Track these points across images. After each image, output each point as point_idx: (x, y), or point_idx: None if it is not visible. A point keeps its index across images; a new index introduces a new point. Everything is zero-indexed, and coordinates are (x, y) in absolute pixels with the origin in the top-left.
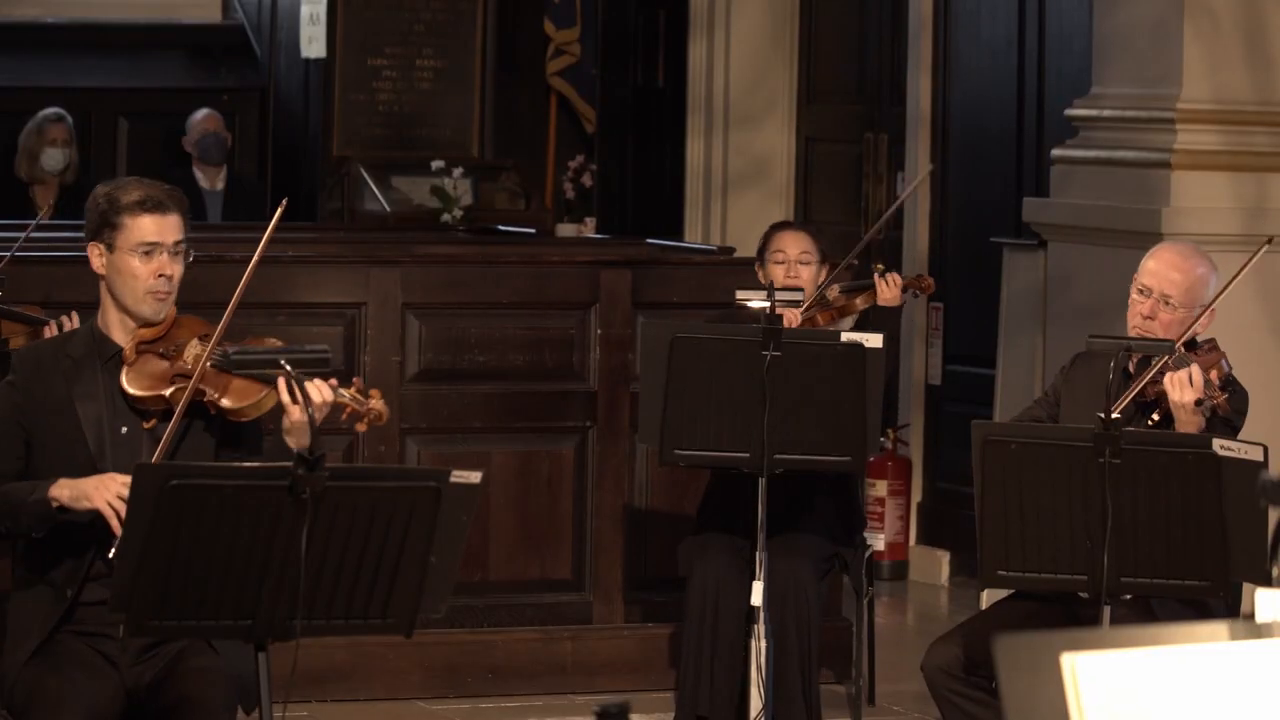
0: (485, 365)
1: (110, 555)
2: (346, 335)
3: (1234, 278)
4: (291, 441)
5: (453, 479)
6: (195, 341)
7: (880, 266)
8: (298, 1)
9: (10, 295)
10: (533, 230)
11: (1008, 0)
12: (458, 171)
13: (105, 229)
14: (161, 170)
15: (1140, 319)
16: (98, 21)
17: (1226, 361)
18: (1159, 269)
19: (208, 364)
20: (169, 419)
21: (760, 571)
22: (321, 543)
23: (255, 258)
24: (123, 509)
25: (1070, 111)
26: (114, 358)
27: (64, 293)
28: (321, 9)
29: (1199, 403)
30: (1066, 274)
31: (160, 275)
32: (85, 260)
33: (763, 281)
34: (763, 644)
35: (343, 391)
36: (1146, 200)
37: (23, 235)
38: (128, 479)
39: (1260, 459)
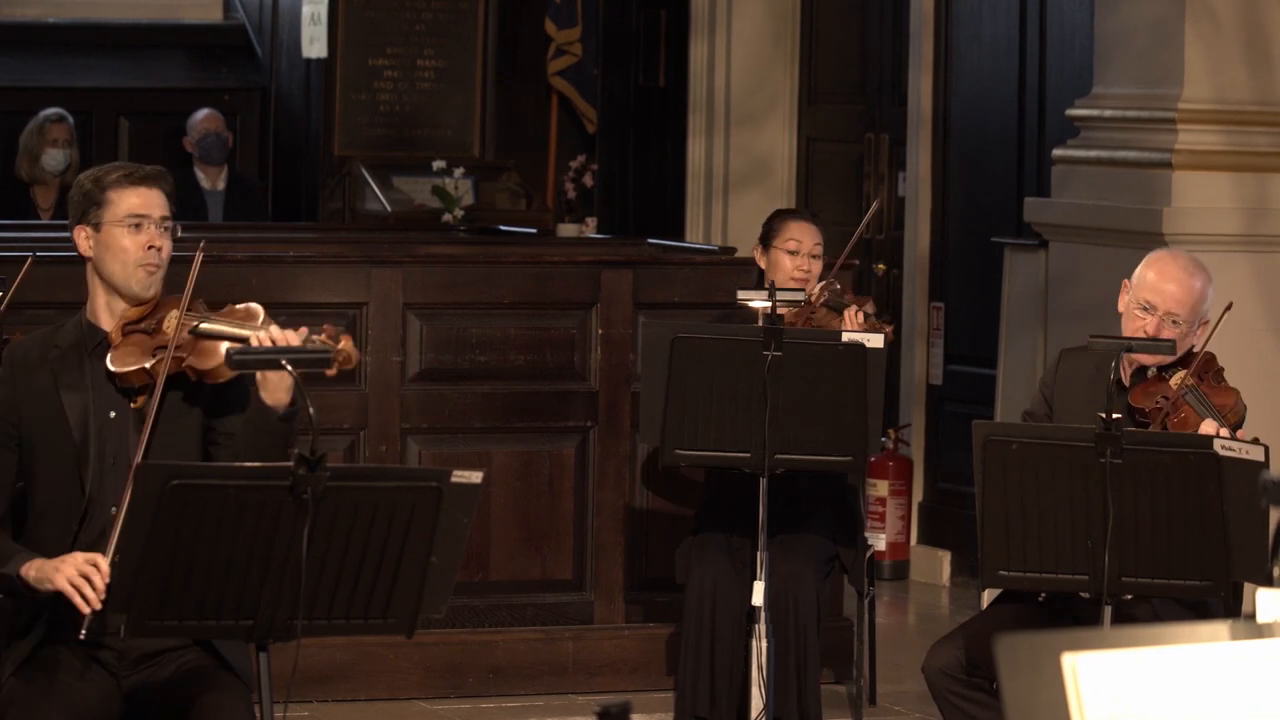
0: (486, 365)
1: (82, 635)
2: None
3: (1210, 333)
4: (267, 398)
5: (453, 479)
6: (173, 313)
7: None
8: (299, 1)
9: (11, 297)
10: (534, 230)
11: (1009, 0)
12: (459, 171)
13: (91, 209)
14: None
15: (1144, 335)
16: (98, 21)
17: (1240, 402)
18: (1164, 286)
19: (184, 331)
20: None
21: (761, 571)
22: (322, 543)
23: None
24: (86, 587)
25: (1071, 111)
26: (100, 344)
27: (64, 293)
28: (323, 9)
29: None
30: (1068, 274)
31: (150, 247)
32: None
33: (762, 266)
34: (763, 644)
35: (313, 338)
36: (1148, 200)
37: (28, 237)
38: (92, 556)
39: (1261, 459)
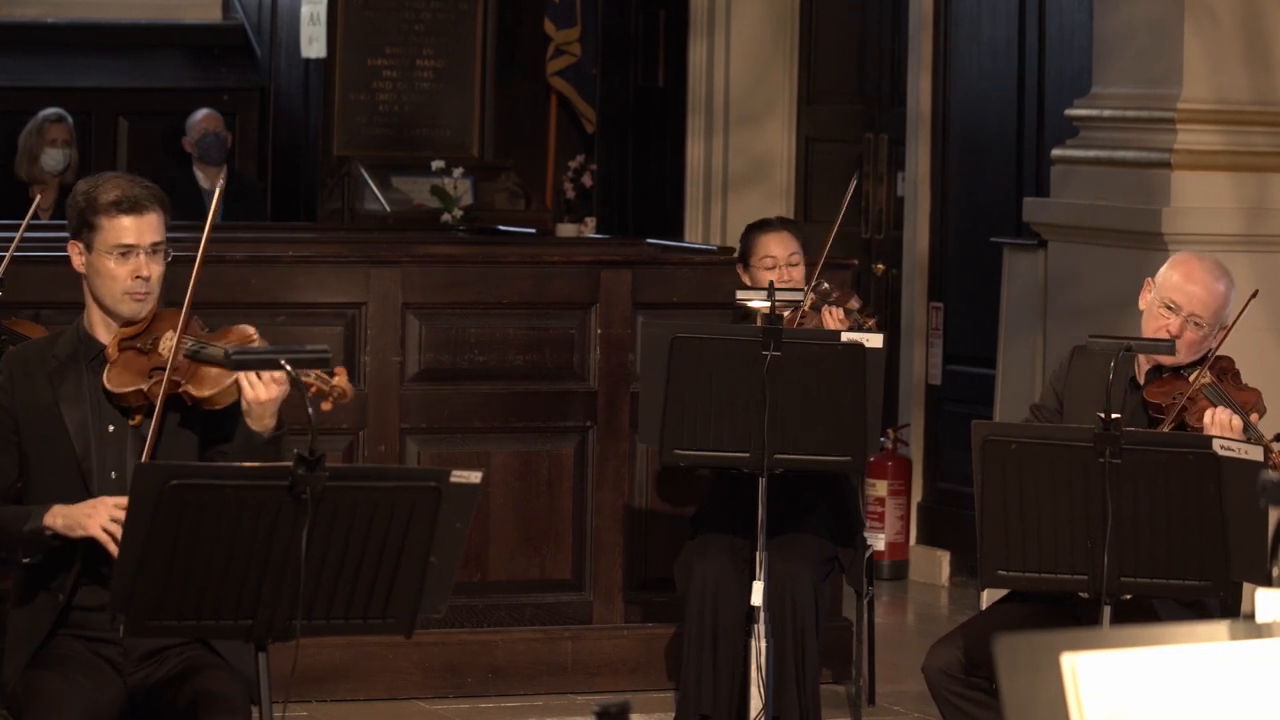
0: (485, 365)
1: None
2: (346, 335)
3: (1230, 327)
4: (252, 424)
5: (453, 479)
6: (170, 334)
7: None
8: (298, 1)
9: (10, 297)
10: (533, 230)
11: (1008, 0)
12: (458, 171)
13: (84, 229)
14: (161, 170)
15: (1166, 334)
16: (98, 21)
17: (1262, 401)
18: (1189, 288)
19: (180, 355)
20: (152, 414)
21: (760, 571)
22: (322, 543)
23: (202, 244)
24: (118, 531)
25: (1070, 111)
26: (97, 357)
27: (64, 293)
28: (322, 9)
29: None
30: (1067, 274)
31: (137, 277)
32: None
33: (746, 283)
34: (763, 644)
35: (305, 378)
36: (1147, 200)
37: (17, 234)
38: (121, 500)
39: (1260, 459)
